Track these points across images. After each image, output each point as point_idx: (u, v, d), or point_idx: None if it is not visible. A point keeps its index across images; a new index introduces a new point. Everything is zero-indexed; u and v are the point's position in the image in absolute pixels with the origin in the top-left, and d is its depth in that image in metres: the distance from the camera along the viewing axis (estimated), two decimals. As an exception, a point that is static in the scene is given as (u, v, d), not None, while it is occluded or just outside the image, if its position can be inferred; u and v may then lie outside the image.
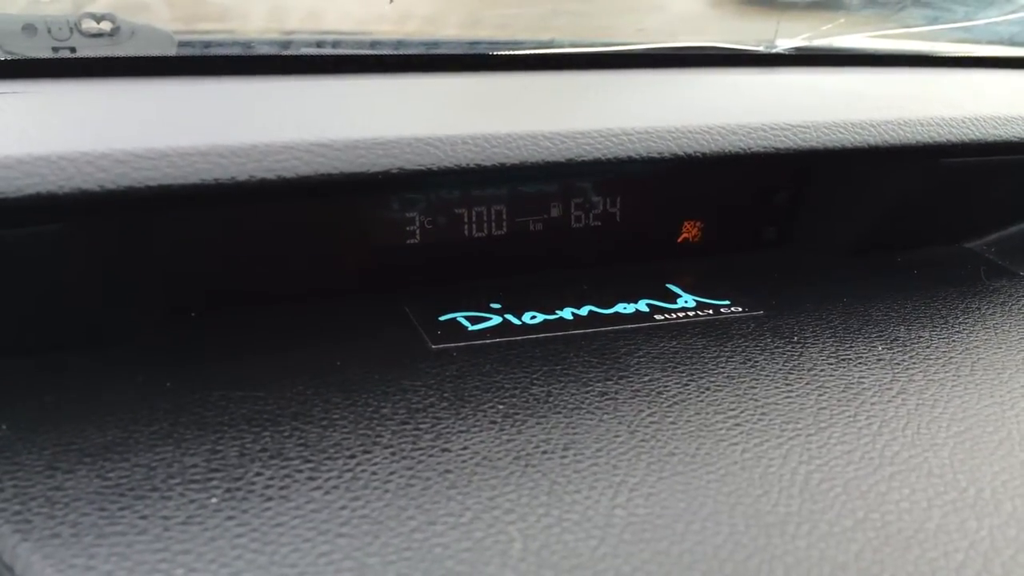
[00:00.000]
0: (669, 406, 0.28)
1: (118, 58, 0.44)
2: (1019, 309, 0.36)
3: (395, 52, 0.54)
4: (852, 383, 0.30)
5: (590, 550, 0.21)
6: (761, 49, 0.58)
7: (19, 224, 0.27)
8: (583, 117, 0.38)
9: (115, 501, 0.21)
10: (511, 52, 0.51)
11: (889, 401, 0.29)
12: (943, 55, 0.64)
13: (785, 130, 0.36)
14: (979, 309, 0.36)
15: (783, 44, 0.60)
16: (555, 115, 0.39)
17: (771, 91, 0.48)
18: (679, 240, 0.42)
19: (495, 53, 0.51)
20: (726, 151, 0.34)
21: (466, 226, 0.38)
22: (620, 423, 0.27)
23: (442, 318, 0.33)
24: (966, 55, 0.64)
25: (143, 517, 0.21)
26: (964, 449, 0.27)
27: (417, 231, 0.37)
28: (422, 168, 0.30)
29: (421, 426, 0.26)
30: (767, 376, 0.30)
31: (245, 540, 0.21)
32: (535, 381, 0.29)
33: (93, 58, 0.44)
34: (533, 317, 0.34)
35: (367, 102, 0.41)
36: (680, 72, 0.52)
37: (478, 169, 0.31)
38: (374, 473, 0.23)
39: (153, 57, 0.45)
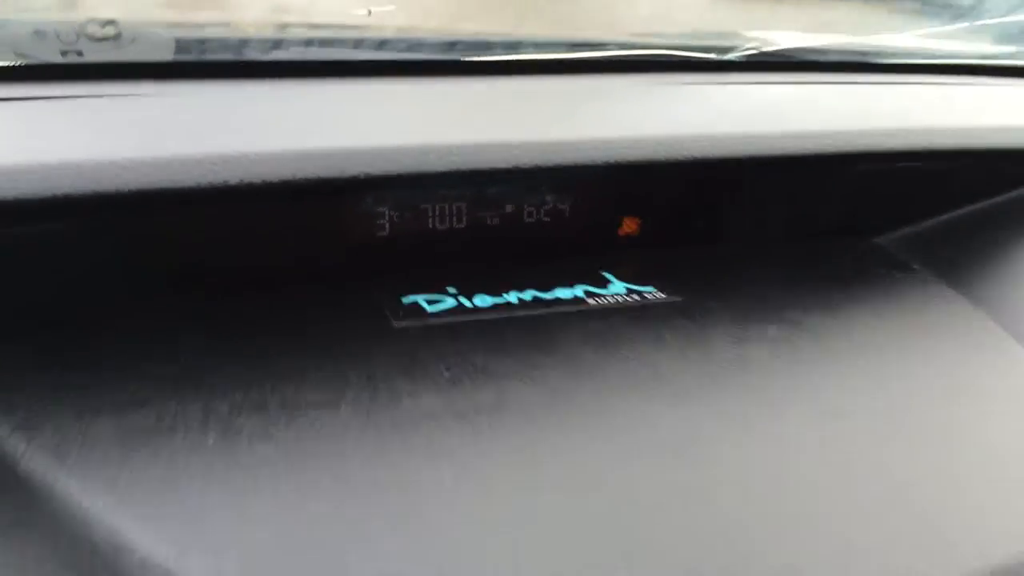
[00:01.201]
0: (587, 375, 0.34)
1: (120, 64, 0.50)
2: (903, 297, 0.42)
3: (378, 57, 0.60)
4: (745, 358, 0.36)
5: (509, 484, 0.27)
6: (713, 57, 0.63)
7: (40, 220, 0.32)
8: (534, 125, 0.44)
9: (133, 440, 0.27)
10: (476, 59, 0.56)
11: (775, 374, 0.35)
12: (890, 62, 0.69)
13: (704, 140, 0.41)
14: (868, 297, 0.42)
15: (736, 52, 0.65)
16: (509, 123, 0.45)
17: (711, 100, 0.53)
18: (620, 234, 0.47)
19: (463, 60, 0.57)
20: (649, 159, 0.39)
21: (430, 220, 0.44)
22: (544, 388, 0.33)
23: (405, 301, 0.39)
24: (919, 62, 0.69)
25: (155, 452, 0.27)
26: (837, 418, 0.32)
27: (387, 224, 0.43)
28: (389, 174, 0.36)
29: (379, 388, 0.32)
30: (673, 351, 0.36)
31: (236, 472, 0.26)
32: (477, 354, 0.35)
33: (98, 63, 0.49)
34: (484, 300, 0.39)
35: (347, 109, 0.47)
36: (632, 77, 0.57)
37: (434, 175, 0.37)
38: (338, 423, 0.29)
39: (153, 63, 0.51)
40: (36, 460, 0.26)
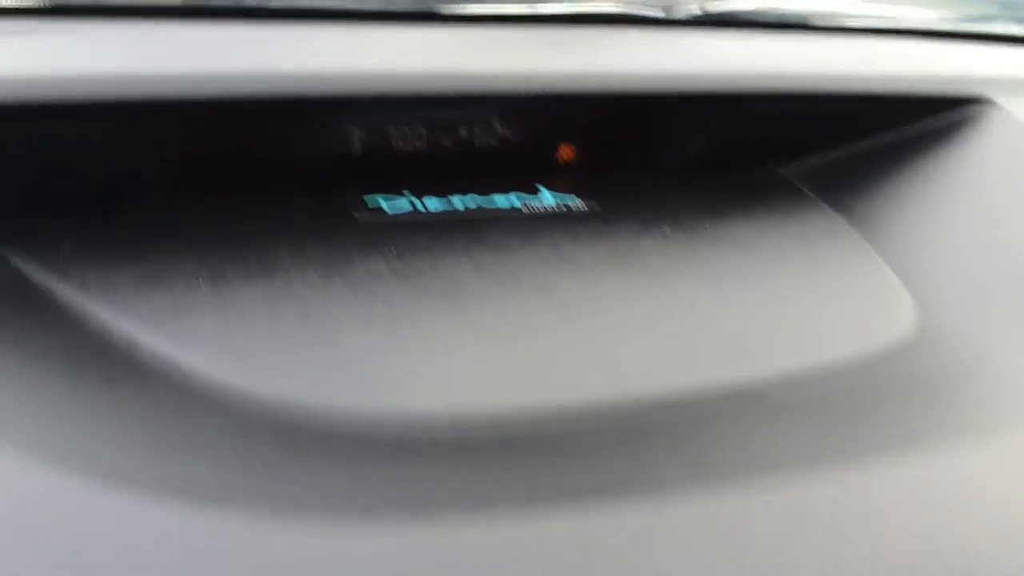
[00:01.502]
0: (510, 255, 0.42)
1: (135, 6, 0.57)
2: (784, 212, 0.50)
3: (358, 7, 0.67)
4: (639, 248, 0.44)
5: (434, 321, 0.36)
6: (658, 14, 0.71)
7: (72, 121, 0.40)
8: (484, 62, 0.52)
9: (141, 282, 0.36)
10: (444, 10, 0.64)
11: (660, 258, 0.43)
12: (822, 24, 0.76)
13: (625, 77, 0.49)
14: (755, 211, 0.50)
15: (680, 12, 0.72)
16: (464, 60, 0.52)
17: (644, 49, 0.61)
18: (557, 158, 0.55)
19: (433, 10, 0.64)
20: (574, 91, 0.47)
21: (394, 141, 0.52)
22: (472, 262, 0.41)
23: (368, 202, 0.47)
24: (848, 25, 0.76)
25: (159, 288, 0.35)
26: (699, 286, 0.41)
27: (358, 143, 0.51)
28: (357, 94, 0.44)
29: (339, 257, 0.40)
30: (582, 241, 0.44)
31: (223, 301, 0.35)
32: (421, 239, 0.43)
33: (116, 5, 0.57)
34: (433, 203, 0.48)
35: (328, 48, 0.54)
36: (580, 30, 0.65)
37: (395, 97, 0.45)
38: (306, 278, 0.38)
39: (162, 6, 0.58)
40: (67, 294, 0.35)
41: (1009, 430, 0.29)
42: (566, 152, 0.55)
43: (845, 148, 0.56)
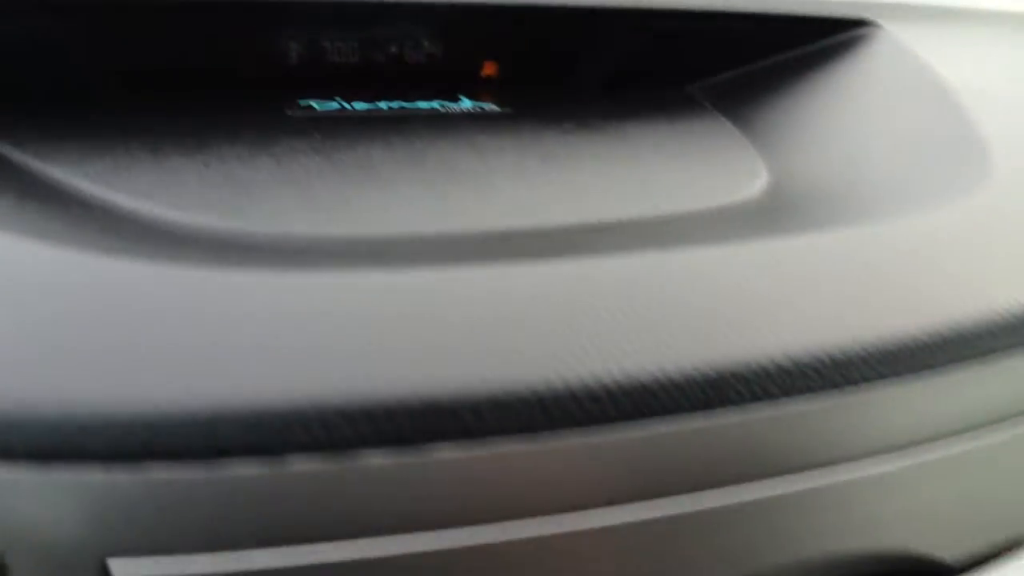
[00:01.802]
0: (422, 140, 0.48)
1: None
2: (680, 119, 0.56)
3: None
4: (540, 140, 0.49)
5: (343, 181, 0.41)
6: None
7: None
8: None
9: (93, 151, 0.41)
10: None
11: (557, 147, 0.49)
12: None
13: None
14: (653, 117, 0.55)
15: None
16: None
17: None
18: (481, 75, 0.60)
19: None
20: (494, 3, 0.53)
21: (329, 55, 0.57)
22: (383, 141, 0.46)
23: (300, 103, 0.52)
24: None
25: (109, 154, 0.41)
26: (587, 170, 0.46)
27: (294, 55, 0.56)
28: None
29: (268, 136, 0.45)
30: (490, 133, 0.49)
31: (156, 167, 0.40)
32: (343, 129, 0.48)
33: None
34: (361, 105, 0.53)
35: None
36: None
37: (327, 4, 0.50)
38: (235, 153, 0.43)
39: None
40: (23, 159, 0.40)
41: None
42: (489, 69, 0.60)
43: (745, 68, 0.62)
